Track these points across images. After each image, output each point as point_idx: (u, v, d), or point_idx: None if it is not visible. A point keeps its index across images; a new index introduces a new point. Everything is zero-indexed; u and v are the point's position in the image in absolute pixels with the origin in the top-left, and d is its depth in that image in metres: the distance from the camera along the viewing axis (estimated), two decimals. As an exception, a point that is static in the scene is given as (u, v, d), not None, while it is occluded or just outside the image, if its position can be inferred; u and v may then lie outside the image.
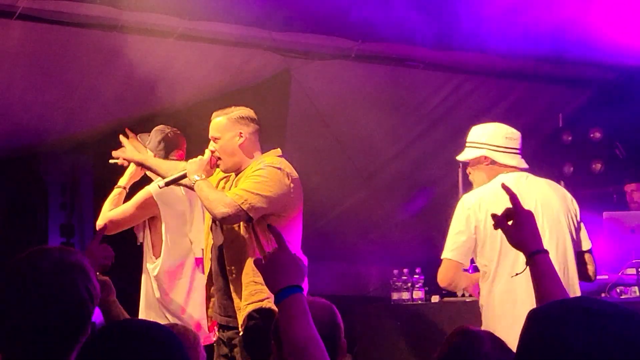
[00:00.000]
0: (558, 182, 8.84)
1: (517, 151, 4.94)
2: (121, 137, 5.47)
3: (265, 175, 4.72)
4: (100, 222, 5.54)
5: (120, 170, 5.70)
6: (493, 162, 4.88)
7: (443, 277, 4.80)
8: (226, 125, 4.88)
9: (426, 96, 7.69)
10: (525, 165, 4.94)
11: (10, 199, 8.02)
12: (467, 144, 5.00)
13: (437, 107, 7.72)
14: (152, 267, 5.57)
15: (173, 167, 5.13)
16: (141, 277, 5.66)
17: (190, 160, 4.90)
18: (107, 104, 6.03)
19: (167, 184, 4.99)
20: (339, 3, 6.39)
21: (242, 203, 4.62)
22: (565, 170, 8.67)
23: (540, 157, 8.62)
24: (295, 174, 4.82)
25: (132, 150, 5.39)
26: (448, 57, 7.39)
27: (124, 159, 5.41)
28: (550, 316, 1.64)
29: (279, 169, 4.76)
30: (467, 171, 5.02)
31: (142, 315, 5.56)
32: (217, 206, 4.66)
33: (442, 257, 4.80)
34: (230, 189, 4.84)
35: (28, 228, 7.99)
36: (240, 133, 4.86)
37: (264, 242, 4.69)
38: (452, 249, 4.75)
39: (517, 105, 8.08)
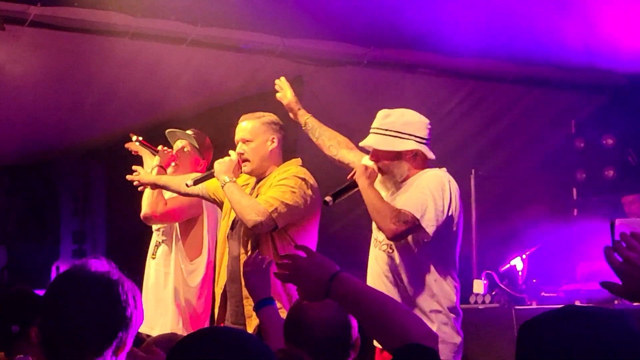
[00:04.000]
0: (570, 188, 8.94)
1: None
2: (134, 167, 5.45)
3: (292, 185, 4.72)
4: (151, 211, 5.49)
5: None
6: (417, 155, 4.39)
7: None
8: (260, 129, 4.88)
9: (438, 103, 7.66)
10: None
11: (23, 206, 8.04)
12: (386, 132, 4.37)
13: (449, 113, 7.70)
14: (189, 269, 5.51)
15: (183, 180, 5.11)
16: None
17: (218, 161, 4.84)
18: (120, 110, 6.04)
19: (196, 183, 4.97)
20: (351, 10, 6.38)
21: (272, 211, 4.62)
22: (578, 177, 8.64)
23: (552, 164, 8.62)
24: (315, 184, 4.82)
25: (145, 174, 5.37)
26: (460, 63, 7.37)
27: (139, 182, 5.37)
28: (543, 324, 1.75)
29: (304, 179, 4.77)
30: (378, 161, 4.37)
31: (160, 319, 5.51)
32: (249, 212, 4.63)
33: None
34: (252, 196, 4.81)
35: (40, 234, 8.01)
36: (273, 138, 4.87)
37: (280, 251, 4.66)
38: None
39: (529, 111, 8.05)
